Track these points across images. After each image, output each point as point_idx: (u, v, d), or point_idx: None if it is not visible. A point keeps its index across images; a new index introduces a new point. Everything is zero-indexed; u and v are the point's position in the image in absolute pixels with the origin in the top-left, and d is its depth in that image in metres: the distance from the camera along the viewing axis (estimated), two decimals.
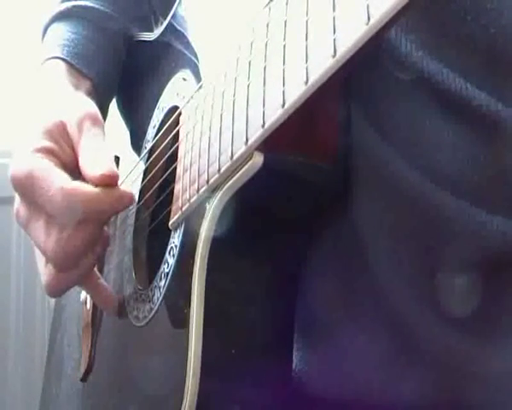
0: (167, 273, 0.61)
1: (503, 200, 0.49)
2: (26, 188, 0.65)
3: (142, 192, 0.74)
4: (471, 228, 0.49)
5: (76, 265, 0.67)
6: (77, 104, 0.71)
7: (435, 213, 0.50)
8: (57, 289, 0.71)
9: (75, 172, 0.67)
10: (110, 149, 0.68)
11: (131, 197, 0.66)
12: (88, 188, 0.63)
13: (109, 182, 0.64)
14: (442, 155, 0.49)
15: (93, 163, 0.65)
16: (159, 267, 0.63)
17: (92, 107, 0.70)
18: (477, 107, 0.48)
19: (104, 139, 0.68)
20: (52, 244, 0.65)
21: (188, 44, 0.70)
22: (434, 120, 0.50)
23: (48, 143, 0.67)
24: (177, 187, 0.61)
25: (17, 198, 0.69)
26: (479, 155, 0.49)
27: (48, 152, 0.66)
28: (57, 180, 0.63)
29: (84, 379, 0.80)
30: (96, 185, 0.63)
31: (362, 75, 0.50)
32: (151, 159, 0.73)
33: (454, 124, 0.49)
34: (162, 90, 0.73)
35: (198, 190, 0.56)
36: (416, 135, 0.50)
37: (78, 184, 0.63)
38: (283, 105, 0.45)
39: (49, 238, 0.65)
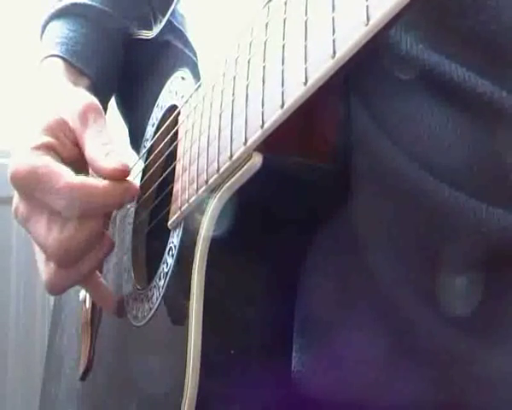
0: (166, 273, 0.61)
1: (503, 192, 0.49)
2: (28, 185, 0.65)
3: (141, 191, 0.73)
4: (471, 222, 0.49)
5: (77, 262, 0.67)
6: (77, 97, 0.71)
7: (435, 207, 0.50)
8: (58, 287, 0.71)
9: (76, 167, 0.67)
10: (117, 143, 0.69)
11: (136, 189, 0.67)
12: (95, 182, 0.64)
13: (122, 175, 0.64)
14: (442, 148, 0.49)
15: (105, 157, 0.65)
16: (158, 267, 0.63)
17: (93, 99, 0.70)
18: (480, 95, 0.48)
19: (108, 132, 0.68)
20: (53, 241, 0.65)
21: (187, 43, 0.70)
22: (435, 113, 0.50)
23: (48, 140, 0.67)
24: (176, 187, 0.61)
25: (16, 195, 0.69)
26: (479, 146, 0.49)
27: (48, 148, 0.66)
28: (63, 175, 0.64)
29: (83, 378, 0.80)
30: (108, 179, 0.64)
31: (362, 71, 0.50)
32: (150, 158, 0.73)
33: (455, 115, 0.49)
34: (161, 88, 0.73)
35: (197, 190, 0.56)
36: (417, 129, 0.50)
37: (84, 178, 0.64)
38: (282, 106, 0.44)
39: (50, 235, 0.65)
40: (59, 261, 0.66)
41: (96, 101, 0.70)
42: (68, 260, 0.66)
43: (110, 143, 0.67)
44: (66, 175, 0.64)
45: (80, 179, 0.63)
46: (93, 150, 0.66)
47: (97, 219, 0.65)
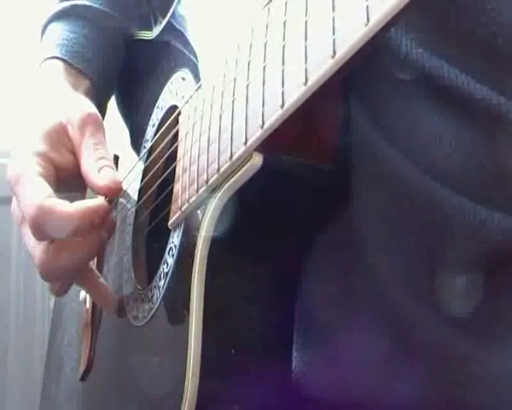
0: (167, 273, 0.61)
1: (503, 196, 0.49)
2: (15, 194, 0.66)
3: (141, 192, 0.74)
4: (471, 225, 0.49)
5: (62, 278, 0.67)
6: (78, 105, 0.71)
7: (435, 210, 0.50)
8: (54, 293, 0.71)
9: (72, 174, 0.67)
10: (111, 157, 0.69)
11: (105, 209, 0.64)
12: (61, 207, 0.62)
13: (114, 191, 0.65)
14: (442, 152, 0.50)
15: (98, 172, 0.65)
16: (158, 267, 0.63)
17: (93, 109, 0.70)
18: (479, 100, 0.48)
19: (106, 145, 0.69)
20: (40, 254, 0.65)
21: (187, 44, 0.70)
22: (435, 117, 0.50)
23: (45, 147, 0.67)
24: (177, 187, 0.61)
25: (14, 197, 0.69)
26: (479, 150, 0.49)
27: (44, 157, 0.66)
28: (34, 193, 0.63)
29: (83, 378, 0.80)
30: (100, 194, 0.64)
31: (362, 73, 0.50)
32: (150, 158, 0.73)
33: (455, 119, 0.49)
34: (161, 89, 0.73)
35: (197, 190, 0.56)
36: (417, 132, 0.50)
37: (51, 202, 0.62)
38: (282, 106, 0.45)
39: (37, 246, 0.65)
40: (43, 275, 0.67)
41: (95, 110, 0.70)
42: (52, 275, 0.67)
43: (105, 158, 0.67)
44: (36, 194, 0.63)
45: (47, 203, 0.62)
46: (88, 165, 0.66)
47: (85, 242, 0.64)
